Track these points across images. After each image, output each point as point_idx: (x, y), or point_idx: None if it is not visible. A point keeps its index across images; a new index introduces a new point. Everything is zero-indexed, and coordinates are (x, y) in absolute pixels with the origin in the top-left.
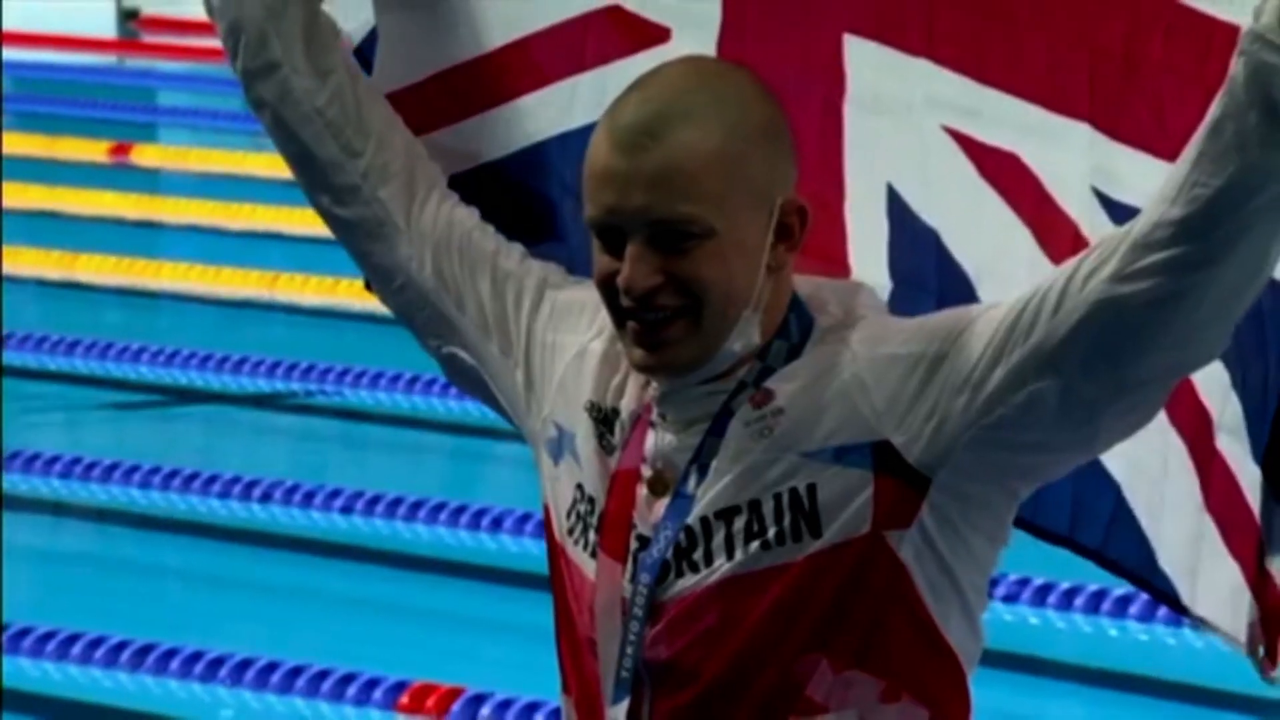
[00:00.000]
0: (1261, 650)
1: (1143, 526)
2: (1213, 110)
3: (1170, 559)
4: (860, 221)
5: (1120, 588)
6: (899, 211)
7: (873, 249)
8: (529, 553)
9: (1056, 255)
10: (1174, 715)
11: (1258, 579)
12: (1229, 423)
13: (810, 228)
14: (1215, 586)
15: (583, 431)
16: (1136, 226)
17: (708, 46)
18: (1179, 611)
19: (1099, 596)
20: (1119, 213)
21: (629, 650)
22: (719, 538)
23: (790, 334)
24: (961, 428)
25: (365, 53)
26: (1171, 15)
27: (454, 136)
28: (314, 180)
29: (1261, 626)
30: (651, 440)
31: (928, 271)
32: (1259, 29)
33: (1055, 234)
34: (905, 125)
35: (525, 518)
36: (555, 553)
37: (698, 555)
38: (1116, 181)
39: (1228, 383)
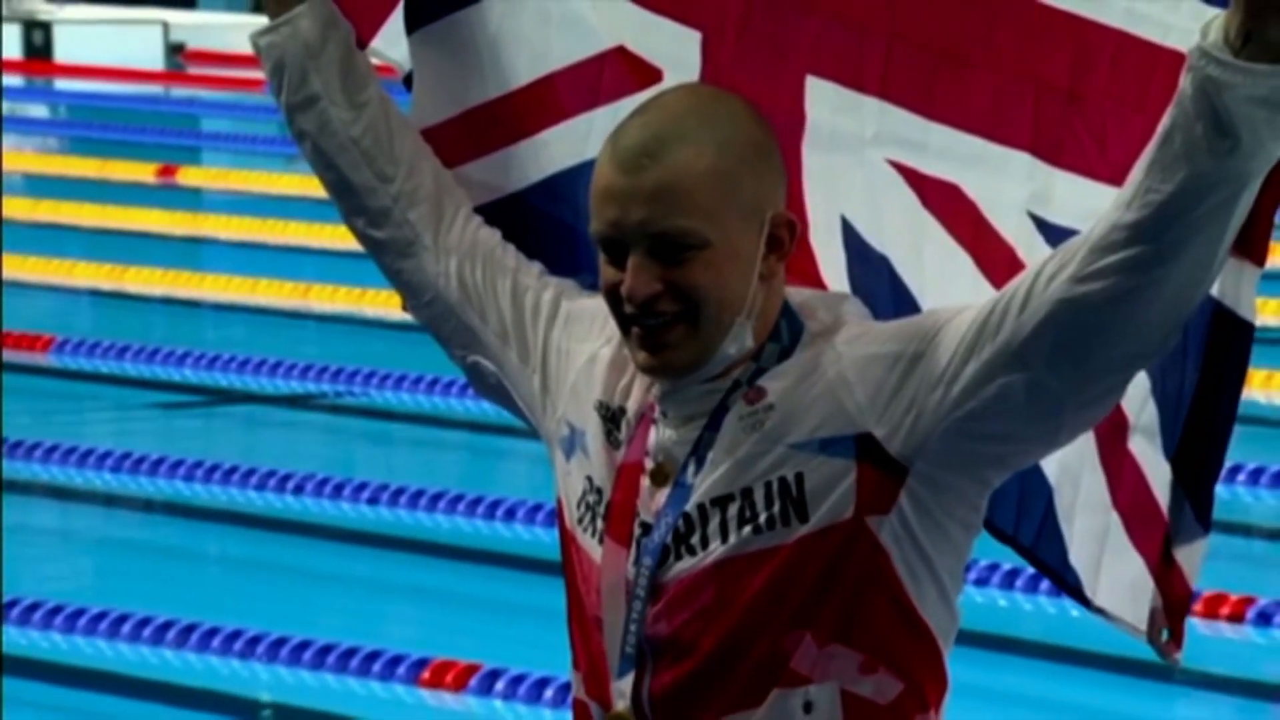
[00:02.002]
0: (1165, 634)
1: (1060, 525)
2: (1164, 121)
3: (1078, 555)
4: (823, 249)
5: None
6: (853, 241)
7: (836, 274)
8: (540, 540)
9: (995, 277)
10: (1131, 688)
11: (1161, 568)
12: (1144, 425)
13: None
14: (1117, 579)
15: (593, 429)
16: (1095, 230)
17: None
18: (1082, 603)
19: None
20: (1055, 235)
21: (632, 627)
22: (714, 523)
23: (782, 338)
24: (937, 420)
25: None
26: (1116, 45)
27: (481, 169)
28: (350, 205)
29: (1165, 612)
30: (654, 435)
31: (883, 295)
32: (1205, 46)
33: (993, 258)
34: (856, 160)
35: (536, 508)
36: (566, 541)
37: (695, 539)
38: (1053, 206)
39: (1148, 390)
